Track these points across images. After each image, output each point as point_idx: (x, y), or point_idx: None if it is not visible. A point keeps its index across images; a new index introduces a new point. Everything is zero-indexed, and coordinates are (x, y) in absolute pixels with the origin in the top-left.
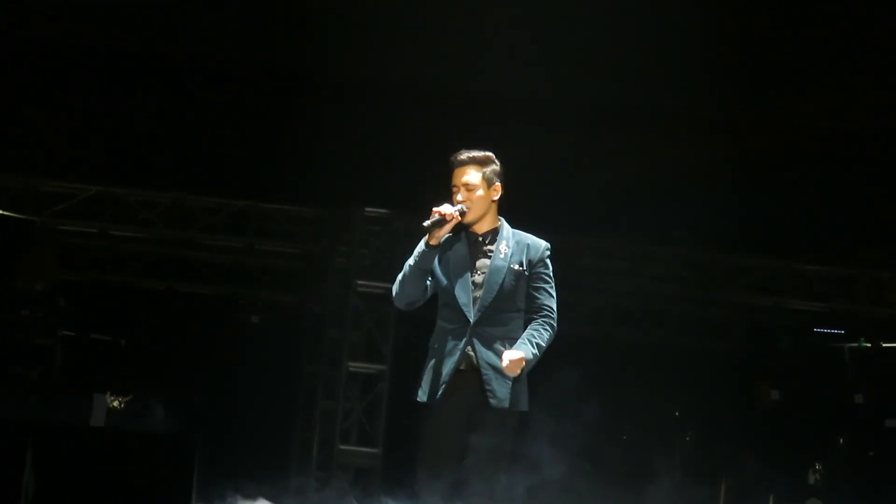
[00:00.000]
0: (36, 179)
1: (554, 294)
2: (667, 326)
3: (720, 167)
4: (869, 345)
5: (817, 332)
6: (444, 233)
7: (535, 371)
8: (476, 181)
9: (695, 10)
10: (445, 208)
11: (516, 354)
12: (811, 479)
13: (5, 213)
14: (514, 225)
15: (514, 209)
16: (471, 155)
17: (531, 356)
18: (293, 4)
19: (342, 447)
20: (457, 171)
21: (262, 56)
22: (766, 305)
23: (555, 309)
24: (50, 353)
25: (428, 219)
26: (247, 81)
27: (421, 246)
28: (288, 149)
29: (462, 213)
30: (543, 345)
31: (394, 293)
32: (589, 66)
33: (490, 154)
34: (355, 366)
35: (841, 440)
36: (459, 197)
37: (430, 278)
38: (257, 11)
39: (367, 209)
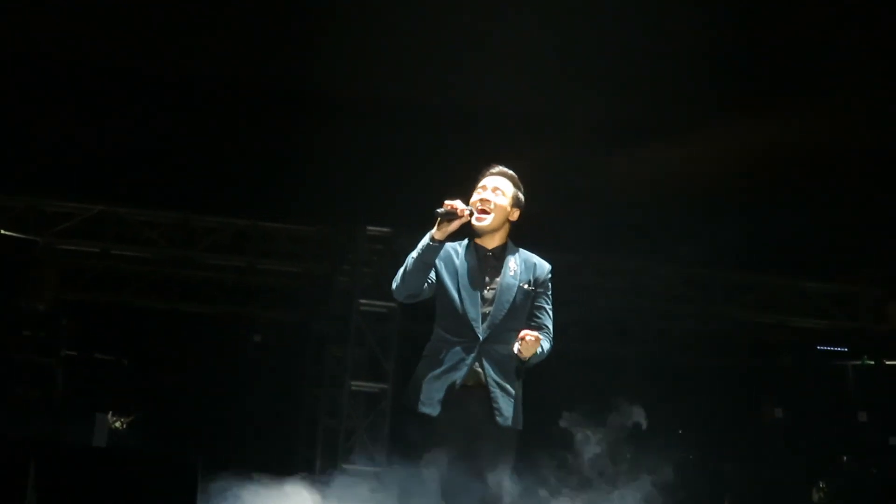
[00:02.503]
0: (38, 199)
1: (552, 315)
2: (669, 344)
3: (723, 185)
4: (872, 362)
5: (820, 349)
6: (451, 229)
7: (536, 386)
8: (507, 190)
9: (698, 26)
10: (458, 203)
11: (534, 334)
12: (815, 496)
13: (8, 233)
14: (516, 242)
15: (516, 226)
16: (509, 172)
17: (540, 349)
18: (296, 26)
19: (345, 466)
20: (491, 177)
21: (264, 77)
22: (769, 323)
23: (552, 329)
24: (52, 373)
25: (441, 207)
26: (249, 102)
27: (426, 240)
28: (290, 168)
29: (472, 214)
30: (543, 350)
31: (394, 286)
32: (593, 82)
33: (521, 183)
34: (358, 384)
35: (845, 458)
36: (484, 196)
37: (431, 281)
38: (261, 33)
39: (370, 228)
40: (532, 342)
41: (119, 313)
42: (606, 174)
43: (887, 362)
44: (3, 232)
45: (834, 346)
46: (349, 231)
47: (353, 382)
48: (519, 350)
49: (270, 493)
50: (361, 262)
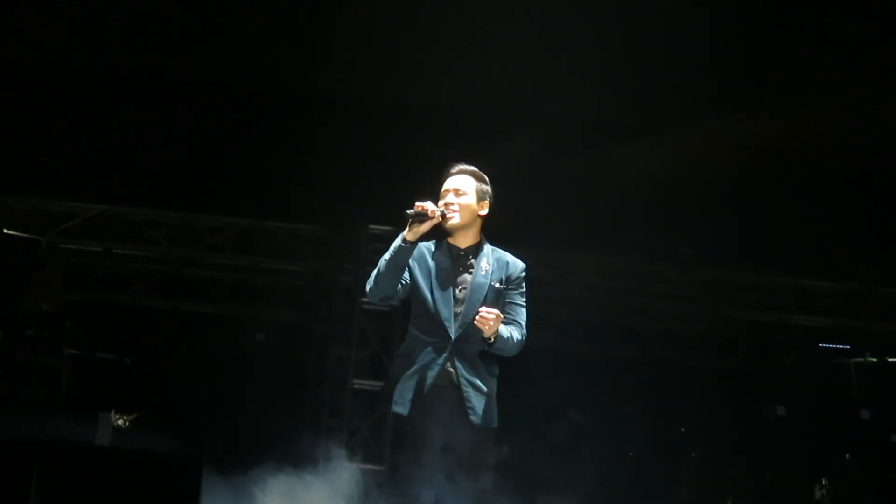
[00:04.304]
0: (41, 199)
1: (525, 314)
2: (672, 344)
3: (724, 184)
4: (875, 360)
5: (823, 347)
6: (423, 230)
7: (541, 389)
8: (468, 188)
9: (696, 24)
10: (428, 204)
11: (493, 311)
12: (818, 494)
13: (11, 232)
14: (519, 243)
15: (518, 227)
16: (469, 168)
17: (505, 333)
18: (298, 26)
19: (348, 464)
20: (451, 178)
21: (266, 77)
22: (771, 321)
23: (524, 325)
24: (56, 373)
25: (411, 209)
26: (251, 101)
27: (398, 241)
28: (292, 168)
29: (444, 216)
30: (512, 338)
31: (367, 287)
32: (594, 81)
33: (485, 176)
34: (360, 383)
35: (847, 456)
36: (447, 200)
37: (405, 282)
38: (262, 34)
39: (372, 227)
40: (487, 318)
41: (122, 313)
42: (608, 173)
43: (890, 359)
44: (6, 231)
45: (836, 344)
46: (351, 230)
47: (355, 381)
48: (479, 326)
49: (273, 491)
50: (364, 260)
